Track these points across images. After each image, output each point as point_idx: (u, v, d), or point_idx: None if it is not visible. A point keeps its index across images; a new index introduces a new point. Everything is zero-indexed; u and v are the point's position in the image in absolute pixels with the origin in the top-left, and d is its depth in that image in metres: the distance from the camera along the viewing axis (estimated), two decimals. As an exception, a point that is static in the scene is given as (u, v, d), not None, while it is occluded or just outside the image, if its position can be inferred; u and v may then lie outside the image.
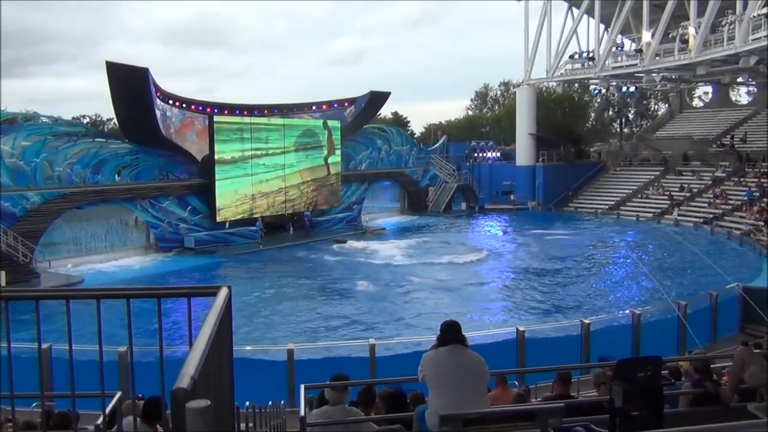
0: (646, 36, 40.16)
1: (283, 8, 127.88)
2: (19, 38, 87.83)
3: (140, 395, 5.37)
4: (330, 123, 37.13)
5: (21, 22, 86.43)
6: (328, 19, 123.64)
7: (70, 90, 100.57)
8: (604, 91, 50.24)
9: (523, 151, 48.04)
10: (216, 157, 30.93)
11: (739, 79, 47.23)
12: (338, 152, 37.48)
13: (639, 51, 41.45)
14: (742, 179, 38.85)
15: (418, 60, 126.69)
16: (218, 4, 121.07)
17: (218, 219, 31.28)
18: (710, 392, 5.81)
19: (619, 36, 45.08)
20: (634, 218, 40.27)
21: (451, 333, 4.45)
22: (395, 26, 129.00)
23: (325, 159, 36.66)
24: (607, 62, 44.00)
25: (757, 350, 6.80)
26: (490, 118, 70.34)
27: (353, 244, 32.35)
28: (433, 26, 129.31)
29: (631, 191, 44.48)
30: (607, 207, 43.55)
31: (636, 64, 41.70)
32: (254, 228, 32.47)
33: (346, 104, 39.19)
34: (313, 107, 38.55)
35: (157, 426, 4.46)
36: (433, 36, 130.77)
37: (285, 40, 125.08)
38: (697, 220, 36.52)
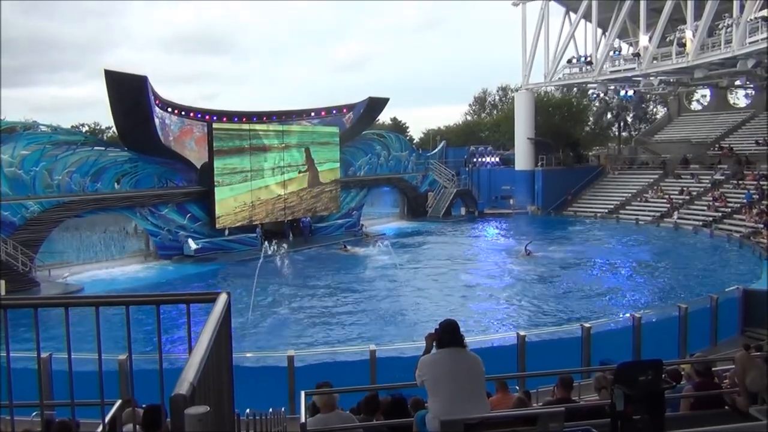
0: (643, 40, 40.24)
1: (285, 14, 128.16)
2: (23, 46, 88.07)
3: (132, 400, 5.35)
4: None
5: (25, 30, 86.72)
6: (330, 25, 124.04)
7: (74, 98, 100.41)
8: (602, 95, 50.27)
9: (522, 156, 48.07)
10: (215, 164, 30.96)
11: (737, 82, 47.28)
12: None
13: (636, 55, 41.52)
14: (740, 182, 38.89)
15: (416, 66, 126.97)
16: (221, 11, 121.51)
17: (217, 226, 31.28)
18: (723, 398, 5.82)
19: (617, 40, 45.22)
20: (634, 222, 40.30)
21: (449, 334, 4.45)
22: (394, 32, 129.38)
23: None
24: (604, 66, 44.11)
25: (758, 353, 6.80)
26: (488, 123, 70.37)
27: (353, 249, 32.41)
28: (431, 32, 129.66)
29: (630, 195, 44.52)
30: (606, 211, 43.58)
31: (634, 68, 41.79)
32: (254, 235, 32.46)
33: (344, 110, 39.24)
34: (312, 114, 38.58)
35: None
36: (431, 42, 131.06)
37: (287, 46, 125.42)
38: (697, 223, 36.54)
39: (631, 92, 49.72)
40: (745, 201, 35.94)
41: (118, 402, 4.43)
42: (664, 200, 41.43)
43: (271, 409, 7.31)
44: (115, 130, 33.81)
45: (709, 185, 40.57)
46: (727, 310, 15.33)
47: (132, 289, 23.94)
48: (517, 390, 8.65)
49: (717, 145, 46.23)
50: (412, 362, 4.77)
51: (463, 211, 47.25)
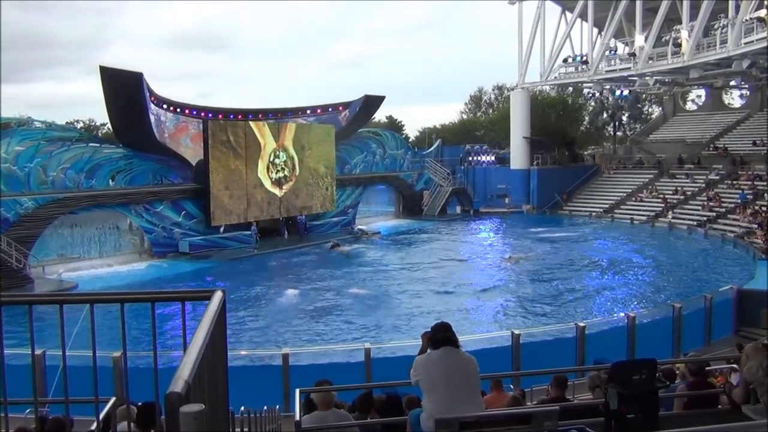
0: (639, 39, 40.34)
1: (285, 14, 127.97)
2: (20, 43, 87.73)
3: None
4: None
5: (22, 27, 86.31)
6: (329, 25, 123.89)
7: (71, 95, 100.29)
8: (597, 94, 50.27)
9: (518, 155, 48.13)
10: (210, 161, 30.85)
11: (732, 83, 47.43)
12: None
13: (632, 54, 41.62)
14: (735, 182, 39.02)
15: (412, 64, 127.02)
16: (220, 10, 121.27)
17: (213, 223, 31.18)
18: (716, 397, 5.82)
19: (612, 40, 45.29)
20: (629, 221, 40.40)
21: (442, 332, 4.45)
22: (392, 32, 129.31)
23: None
24: (600, 66, 44.18)
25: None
26: (484, 122, 70.38)
27: (346, 248, 32.37)
28: (429, 32, 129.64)
29: (625, 194, 44.61)
30: (601, 210, 43.67)
31: (629, 68, 41.88)
32: (249, 232, 32.39)
33: (340, 108, 39.19)
34: (308, 111, 38.52)
35: None
36: (428, 41, 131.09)
37: (286, 46, 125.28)
38: (691, 222, 36.65)
39: (626, 92, 49.90)
40: (739, 201, 36.06)
41: (113, 399, 4.42)
42: (659, 200, 41.54)
43: (265, 407, 7.30)
44: (110, 127, 33.66)
45: (704, 185, 40.70)
46: (721, 309, 15.38)
47: (127, 286, 23.89)
48: (511, 389, 8.66)
49: (712, 145, 46.38)
50: (406, 360, 4.78)
51: (458, 209, 47.29)
